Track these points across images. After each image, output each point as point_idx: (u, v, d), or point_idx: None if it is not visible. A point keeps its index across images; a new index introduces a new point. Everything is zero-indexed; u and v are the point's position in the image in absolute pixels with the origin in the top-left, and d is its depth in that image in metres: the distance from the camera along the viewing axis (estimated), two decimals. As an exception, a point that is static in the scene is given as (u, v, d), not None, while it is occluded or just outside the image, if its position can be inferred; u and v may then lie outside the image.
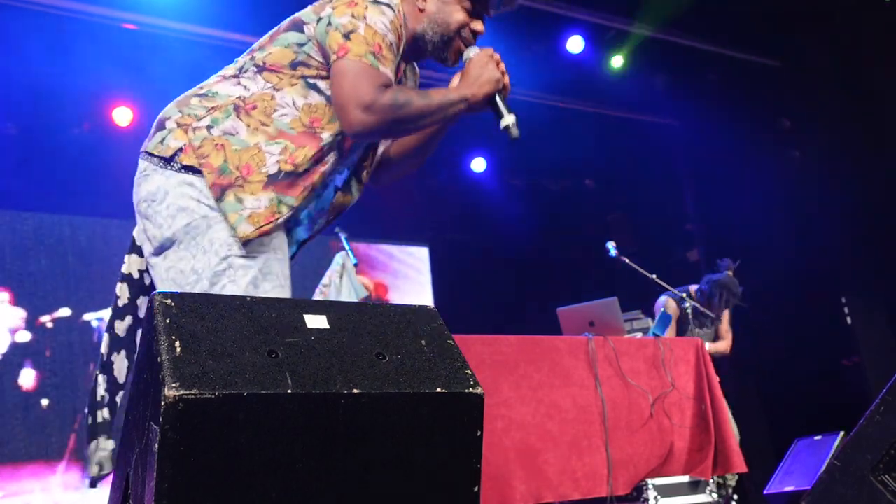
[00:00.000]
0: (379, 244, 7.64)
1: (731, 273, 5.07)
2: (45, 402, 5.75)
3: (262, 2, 5.37)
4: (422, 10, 1.96)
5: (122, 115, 5.77)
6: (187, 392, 1.06)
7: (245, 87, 1.83)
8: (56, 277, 5.91)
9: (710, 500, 3.89)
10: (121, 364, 1.92)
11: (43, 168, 5.62)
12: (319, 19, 1.83)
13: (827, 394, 5.93)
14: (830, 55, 6.29)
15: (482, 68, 1.93)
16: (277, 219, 1.77)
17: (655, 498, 3.70)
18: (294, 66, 1.84)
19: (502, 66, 1.97)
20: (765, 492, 4.57)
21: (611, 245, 4.77)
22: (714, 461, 3.96)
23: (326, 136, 1.82)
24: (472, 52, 1.98)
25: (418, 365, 1.26)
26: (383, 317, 1.34)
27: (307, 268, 6.42)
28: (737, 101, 6.79)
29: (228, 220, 1.74)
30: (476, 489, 1.25)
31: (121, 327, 1.92)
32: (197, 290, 1.71)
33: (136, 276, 1.94)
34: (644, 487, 3.72)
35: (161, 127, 1.85)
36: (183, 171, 1.77)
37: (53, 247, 5.91)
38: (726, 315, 5.14)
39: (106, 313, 5.99)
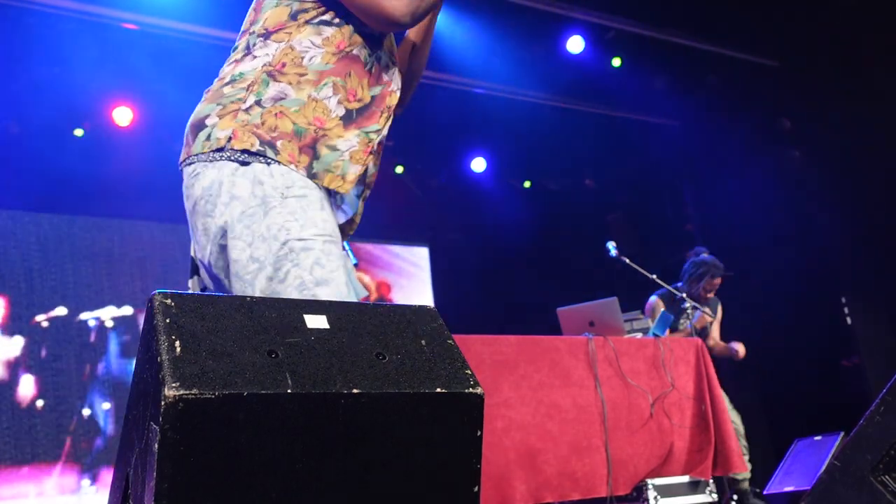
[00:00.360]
0: (379, 244, 7.64)
1: (706, 254, 5.11)
2: (40, 403, 5.65)
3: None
4: None
5: (122, 115, 5.77)
6: (187, 392, 1.06)
7: (264, 55, 1.82)
8: (52, 276, 5.84)
9: (710, 500, 3.89)
10: None
11: (43, 167, 5.63)
12: None
13: (827, 394, 5.93)
14: (830, 55, 6.29)
15: None
16: (372, 148, 1.81)
17: (655, 498, 3.70)
18: (294, 16, 1.83)
19: None
20: (765, 492, 4.58)
21: (611, 245, 4.77)
22: (714, 461, 3.96)
23: (360, 50, 1.83)
24: None
25: (418, 365, 1.27)
26: (383, 317, 1.34)
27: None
28: (736, 102, 6.79)
29: (334, 171, 1.75)
30: (476, 489, 1.26)
31: None
32: (260, 278, 1.66)
33: None
34: (644, 487, 3.72)
35: (200, 127, 1.80)
36: (235, 158, 1.72)
37: (52, 246, 5.87)
38: (719, 315, 5.12)
39: (103, 312, 5.95)
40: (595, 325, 4.10)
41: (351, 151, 1.78)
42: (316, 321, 1.27)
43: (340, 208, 1.95)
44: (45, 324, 5.79)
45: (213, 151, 1.73)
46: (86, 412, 5.83)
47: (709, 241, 7.12)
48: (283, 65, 1.79)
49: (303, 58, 1.79)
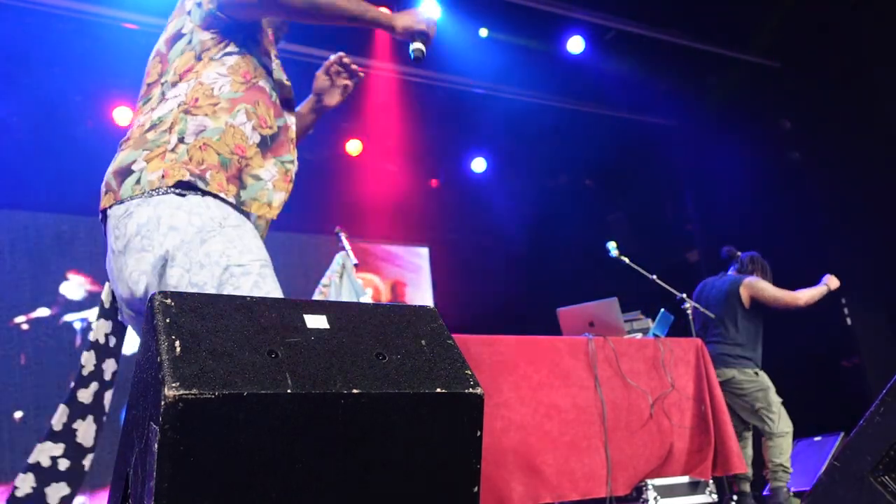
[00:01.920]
0: (379, 244, 7.64)
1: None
2: (18, 414, 5.22)
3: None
4: None
5: (123, 115, 5.77)
6: (187, 392, 1.06)
7: (175, 97, 1.90)
8: (42, 275, 5.61)
9: (709, 500, 3.89)
10: (88, 429, 1.99)
11: (42, 167, 5.62)
12: (189, 12, 1.97)
13: (827, 394, 5.92)
14: (831, 55, 6.29)
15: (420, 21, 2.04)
16: (292, 177, 1.95)
17: (655, 498, 3.70)
18: (199, 57, 1.94)
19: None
20: (764, 492, 4.57)
21: (611, 245, 4.77)
22: (714, 461, 3.97)
23: (263, 83, 1.97)
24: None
25: (418, 365, 1.26)
26: (383, 317, 1.34)
27: (307, 268, 6.40)
28: (737, 102, 6.78)
29: (260, 199, 1.88)
30: (475, 489, 1.25)
31: (85, 395, 1.97)
32: None
33: (102, 341, 1.99)
34: (644, 488, 3.72)
35: (127, 174, 1.84)
36: (170, 192, 1.78)
37: (47, 245, 5.71)
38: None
39: (90, 313, 5.82)
40: (595, 325, 4.09)
41: (273, 181, 1.91)
42: (316, 321, 1.27)
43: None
44: (25, 326, 5.45)
45: (146, 193, 1.79)
46: (71, 424, 5.41)
47: (709, 241, 7.14)
48: (196, 100, 1.88)
49: (213, 88, 1.90)
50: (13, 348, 5.36)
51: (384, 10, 2.04)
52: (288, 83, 2.09)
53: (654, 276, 4.75)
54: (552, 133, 7.15)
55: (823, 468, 1.45)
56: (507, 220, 7.69)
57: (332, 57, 2.28)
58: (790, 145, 6.79)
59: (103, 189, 1.88)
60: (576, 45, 6.38)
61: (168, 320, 1.16)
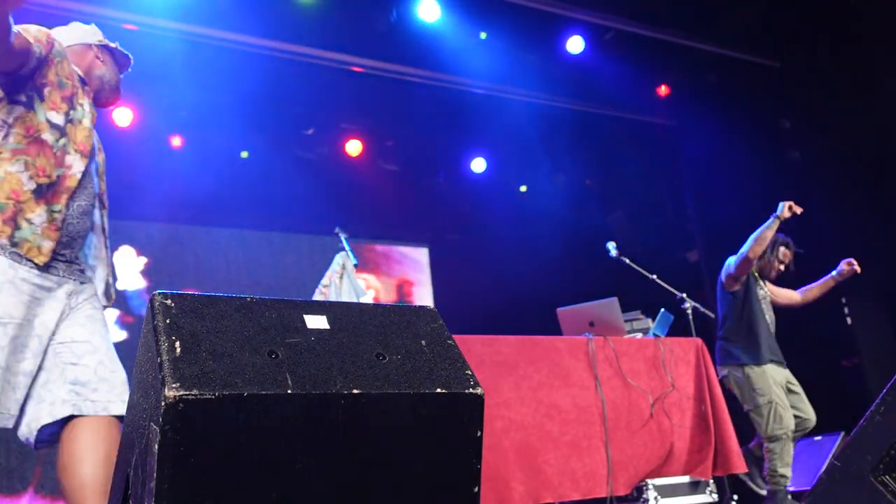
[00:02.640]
0: (380, 244, 7.64)
1: None
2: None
3: (262, 2, 5.37)
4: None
5: (122, 116, 5.77)
6: (187, 392, 1.06)
7: None
8: None
9: (710, 500, 3.89)
10: None
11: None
12: None
13: (827, 394, 5.92)
14: (831, 55, 6.29)
15: None
16: (59, 227, 2.07)
17: (655, 498, 3.70)
18: None
19: None
20: (764, 492, 4.57)
21: (611, 245, 4.76)
22: (714, 461, 3.96)
23: (48, 135, 2.09)
24: None
25: (418, 365, 1.26)
26: (383, 317, 1.34)
27: (307, 268, 6.40)
28: (737, 102, 6.78)
29: (32, 242, 2.00)
30: (476, 489, 1.25)
31: None
32: None
33: None
34: (644, 488, 3.72)
35: None
36: None
37: None
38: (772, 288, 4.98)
39: None
40: (595, 325, 4.09)
41: (41, 227, 2.04)
42: (316, 321, 1.27)
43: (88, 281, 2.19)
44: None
45: None
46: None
47: (709, 241, 7.14)
48: None
49: None
50: None
51: None
52: (88, 130, 2.21)
53: (654, 276, 4.75)
54: (552, 133, 7.15)
55: (824, 468, 1.45)
56: (507, 220, 7.69)
57: None
58: (790, 145, 6.78)
59: None
60: (576, 45, 6.38)
61: (168, 321, 1.16)
